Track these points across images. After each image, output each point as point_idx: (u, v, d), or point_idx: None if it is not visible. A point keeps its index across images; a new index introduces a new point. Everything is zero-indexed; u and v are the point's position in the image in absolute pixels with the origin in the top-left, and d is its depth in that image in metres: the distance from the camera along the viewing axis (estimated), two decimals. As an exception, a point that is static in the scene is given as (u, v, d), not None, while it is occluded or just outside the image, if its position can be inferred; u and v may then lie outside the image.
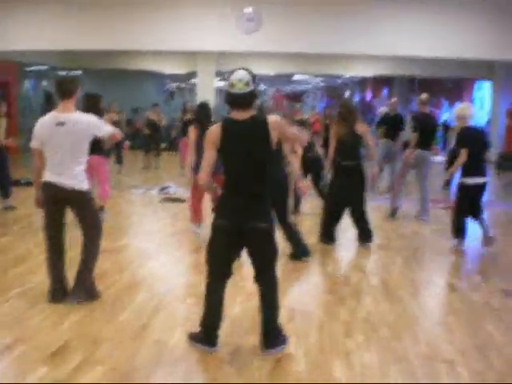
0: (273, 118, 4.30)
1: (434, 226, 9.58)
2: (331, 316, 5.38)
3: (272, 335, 4.53)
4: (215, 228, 4.43)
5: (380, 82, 24.77)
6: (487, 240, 7.98)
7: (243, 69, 4.35)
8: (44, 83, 22.61)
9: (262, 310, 4.54)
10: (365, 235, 8.04)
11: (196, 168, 7.16)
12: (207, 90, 17.58)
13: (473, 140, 7.72)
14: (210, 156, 4.33)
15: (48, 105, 22.18)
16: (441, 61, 15.91)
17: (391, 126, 12.69)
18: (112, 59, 19.83)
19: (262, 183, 4.36)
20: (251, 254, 4.49)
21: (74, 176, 5.28)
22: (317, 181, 10.20)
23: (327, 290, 6.27)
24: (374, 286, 6.37)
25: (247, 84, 4.25)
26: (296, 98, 26.84)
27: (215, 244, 4.46)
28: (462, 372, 4.31)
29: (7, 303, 5.43)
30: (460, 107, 8.24)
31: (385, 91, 24.78)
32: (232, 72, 4.34)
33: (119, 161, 15.57)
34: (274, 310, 4.56)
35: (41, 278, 6.04)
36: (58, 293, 5.44)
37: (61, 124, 5.21)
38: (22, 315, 5.13)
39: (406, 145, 10.57)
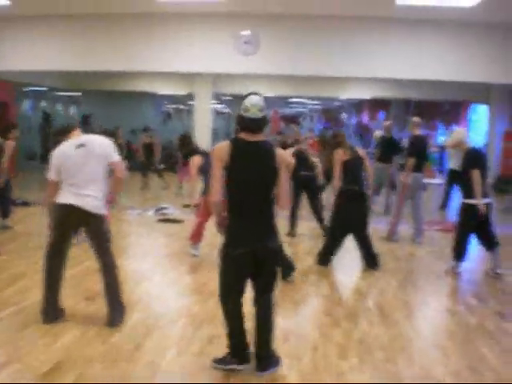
0: (280, 151, 4.39)
1: (429, 248, 9.59)
2: (326, 338, 5.37)
3: (267, 358, 4.52)
4: (233, 257, 4.34)
5: (377, 105, 24.86)
6: (493, 275, 7.93)
7: (256, 94, 4.38)
8: (43, 103, 22.69)
9: (259, 333, 4.52)
10: (372, 260, 8.05)
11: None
12: (204, 111, 17.68)
13: (479, 161, 7.71)
14: (219, 174, 4.27)
15: (46, 125, 22.30)
16: (437, 83, 15.99)
17: (386, 148, 12.76)
18: (110, 80, 19.91)
19: (270, 203, 4.37)
20: (258, 275, 4.46)
21: (94, 199, 5.31)
22: (313, 200, 10.19)
23: (322, 312, 6.25)
24: (369, 309, 6.36)
25: (261, 110, 4.30)
26: (293, 120, 26.94)
27: (233, 273, 4.42)
28: (456, 394, 4.30)
29: (0, 322, 5.41)
30: (456, 132, 8.30)
31: (381, 114, 24.87)
32: (246, 96, 4.37)
33: None
34: (270, 333, 4.55)
35: (35, 298, 6.02)
36: (51, 314, 5.43)
37: (81, 146, 5.30)
38: (16, 334, 5.11)
39: (402, 167, 10.62)
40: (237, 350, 4.54)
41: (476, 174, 7.55)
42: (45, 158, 22.71)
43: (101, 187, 5.40)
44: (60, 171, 5.33)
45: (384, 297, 6.82)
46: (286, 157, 4.40)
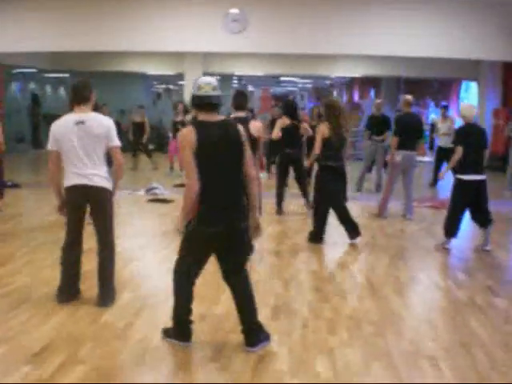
0: (240, 127, 4.38)
1: (419, 224, 9.62)
2: (315, 313, 5.39)
3: (253, 333, 4.54)
4: (203, 236, 4.33)
5: (367, 83, 24.80)
6: (483, 251, 7.96)
7: (209, 75, 4.44)
8: (31, 85, 22.51)
9: (242, 309, 4.55)
10: (355, 230, 8.10)
11: None
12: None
13: (471, 137, 7.70)
14: (192, 161, 4.19)
15: (35, 107, 22.14)
16: (427, 61, 15.96)
17: (377, 127, 12.74)
18: (99, 61, 19.75)
19: (241, 183, 4.39)
20: (226, 255, 4.47)
21: (99, 176, 5.29)
22: (299, 177, 10.23)
23: (312, 288, 6.27)
24: (358, 284, 6.39)
25: (214, 89, 4.31)
26: (283, 99, 26.85)
27: (197, 251, 4.45)
28: (445, 368, 4.32)
29: (-10, 304, 5.41)
30: (462, 106, 8.28)
31: (372, 92, 24.82)
32: (198, 78, 4.44)
33: (109, 164, 15.61)
34: (252, 307, 4.57)
35: (24, 280, 6.04)
36: (68, 294, 5.48)
37: (81, 122, 5.19)
38: (5, 315, 5.10)
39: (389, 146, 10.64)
40: (180, 327, 4.59)
41: (457, 150, 7.58)
42: (34, 141, 22.54)
43: (102, 166, 5.35)
44: (59, 145, 5.25)
45: (374, 272, 6.85)
46: (244, 134, 4.40)
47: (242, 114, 7.01)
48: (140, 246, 7.85)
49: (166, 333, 4.69)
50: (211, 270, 5.89)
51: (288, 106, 10.34)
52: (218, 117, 4.34)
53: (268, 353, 4.48)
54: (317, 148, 7.94)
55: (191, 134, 4.18)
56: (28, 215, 9.77)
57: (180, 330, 4.60)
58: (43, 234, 8.21)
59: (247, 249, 4.55)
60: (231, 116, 7.12)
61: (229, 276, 4.56)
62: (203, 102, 4.29)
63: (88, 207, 5.42)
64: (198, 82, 4.33)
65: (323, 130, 7.87)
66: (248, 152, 4.37)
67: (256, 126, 7.30)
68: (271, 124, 14.91)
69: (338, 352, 4.54)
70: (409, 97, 10.22)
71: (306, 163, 8.36)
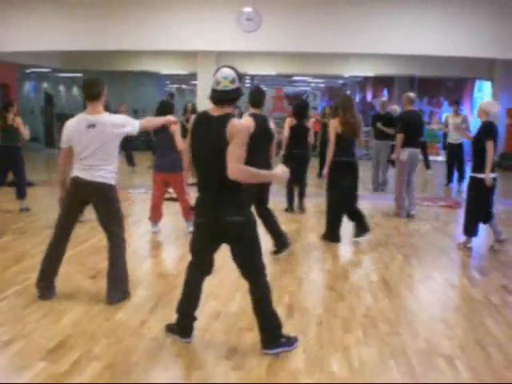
0: (234, 122, 4.17)
1: (434, 223, 9.58)
2: (330, 312, 5.37)
3: (268, 335, 4.46)
4: (195, 226, 4.49)
5: (380, 82, 24.74)
6: (498, 243, 7.92)
7: (228, 67, 4.35)
8: (45, 85, 22.62)
9: (255, 312, 4.49)
10: (364, 226, 8.09)
11: None
12: (207, 90, 17.58)
13: (493, 133, 7.60)
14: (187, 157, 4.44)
15: (48, 106, 22.25)
16: (441, 60, 15.90)
17: (382, 125, 12.63)
18: (112, 60, 19.84)
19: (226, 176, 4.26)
20: (231, 251, 4.45)
21: (103, 172, 5.31)
22: (301, 180, 10.27)
23: (327, 287, 6.26)
24: (373, 283, 6.35)
25: (232, 82, 4.26)
26: (296, 98, 26.83)
27: (195, 241, 4.53)
28: (461, 367, 4.29)
29: (6, 301, 5.43)
30: (485, 102, 8.24)
31: (385, 91, 24.75)
32: (218, 70, 4.35)
33: (131, 162, 15.87)
34: (263, 309, 4.47)
35: (39, 277, 6.07)
36: (46, 289, 5.49)
37: (92, 126, 5.24)
38: (21, 312, 5.12)
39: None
40: (180, 322, 4.61)
41: (490, 145, 7.50)
42: (48, 140, 22.65)
43: (111, 163, 5.38)
44: (70, 143, 5.35)
45: (388, 271, 6.81)
46: (236, 129, 4.14)
47: (258, 111, 6.99)
48: (154, 244, 7.86)
49: (169, 328, 4.72)
50: (226, 268, 5.93)
51: (297, 106, 10.33)
52: (225, 110, 4.25)
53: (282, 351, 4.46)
54: (331, 143, 7.91)
55: (191, 123, 4.38)
56: (42, 213, 9.80)
57: (181, 324, 4.61)
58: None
59: (251, 247, 4.41)
60: (247, 113, 7.12)
61: (241, 274, 4.53)
62: (217, 98, 4.26)
63: (86, 208, 5.50)
64: (216, 76, 4.30)
65: (335, 125, 7.86)
66: (231, 149, 4.23)
67: (271, 124, 7.28)
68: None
69: (354, 351, 4.52)
70: (411, 94, 10.19)
71: (324, 172, 8.25)
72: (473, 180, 7.77)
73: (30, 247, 7.36)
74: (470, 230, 7.87)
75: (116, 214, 5.51)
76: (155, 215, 8.36)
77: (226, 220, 4.26)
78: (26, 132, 9.79)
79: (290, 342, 4.54)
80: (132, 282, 5.69)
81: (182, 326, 4.62)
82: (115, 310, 5.24)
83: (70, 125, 5.39)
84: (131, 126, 5.44)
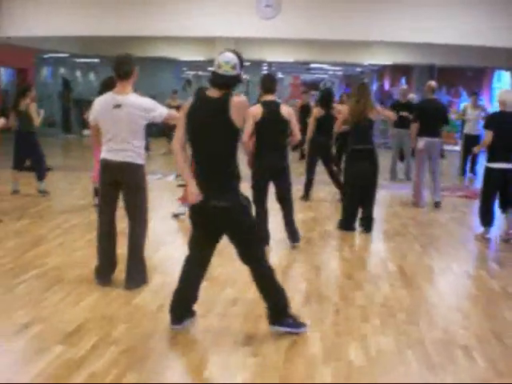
0: (237, 99, 4.20)
1: (452, 213, 9.52)
2: (347, 300, 5.36)
3: (271, 311, 4.49)
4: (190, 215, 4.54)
5: (398, 71, 24.57)
6: (505, 237, 7.87)
7: (232, 51, 4.34)
8: (62, 70, 22.66)
9: (260, 292, 4.54)
10: (369, 223, 8.00)
11: None
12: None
13: (504, 125, 7.51)
14: (182, 130, 4.33)
15: (65, 91, 22.31)
16: (460, 49, 15.72)
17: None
18: (129, 46, 19.70)
19: (224, 160, 4.29)
20: (230, 239, 4.46)
21: (131, 151, 5.29)
22: (327, 165, 10.14)
23: (344, 275, 6.25)
24: (390, 272, 6.33)
25: (233, 67, 4.24)
26: (314, 86, 26.71)
27: (192, 225, 4.58)
28: (478, 357, 4.27)
29: (24, 284, 5.46)
30: (502, 91, 8.18)
31: (403, 80, 24.58)
32: (221, 53, 4.33)
33: (147, 148, 15.81)
34: (265, 285, 4.51)
35: (57, 260, 6.11)
36: (106, 273, 5.54)
37: (118, 106, 5.21)
38: (39, 296, 5.16)
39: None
40: (175, 306, 4.57)
41: (487, 135, 7.48)
42: (65, 126, 22.72)
43: (138, 141, 5.35)
44: (97, 121, 5.38)
45: (406, 261, 6.78)
46: (240, 105, 4.21)
47: (270, 97, 6.92)
48: (171, 230, 7.88)
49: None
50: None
51: (324, 96, 10.27)
52: (223, 92, 4.22)
53: (300, 337, 4.46)
54: (336, 127, 8.44)
55: (187, 105, 4.33)
56: (60, 197, 9.85)
57: (173, 310, 4.57)
58: (75, 216, 8.29)
59: (246, 232, 4.43)
60: (260, 99, 7.05)
61: (240, 258, 4.52)
62: (216, 82, 4.24)
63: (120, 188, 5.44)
64: (218, 59, 4.27)
65: (343, 111, 8.09)
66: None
67: (285, 110, 7.19)
68: (301, 110, 14.87)
69: (371, 339, 4.51)
70: (433, 82, 10.11)
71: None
72: (485, 169, 7.75)
73: (47, 232, 7.41)
74: (483, 220, 7.83)
75: (143, 204, 5.51)
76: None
77: (211, 204, 4.24)
78: (37, 119, 9.72)
79: (297, 324, 4.55)
80: (150, 267, 5.71)
81: (173, 311, 4.58)
82: (133, 294, 5.26)
83: (98, 103, 5.39)
84: (159, 113, 5.39)
